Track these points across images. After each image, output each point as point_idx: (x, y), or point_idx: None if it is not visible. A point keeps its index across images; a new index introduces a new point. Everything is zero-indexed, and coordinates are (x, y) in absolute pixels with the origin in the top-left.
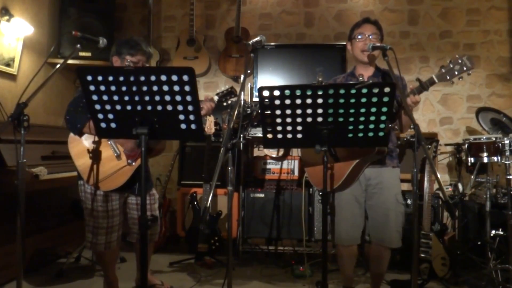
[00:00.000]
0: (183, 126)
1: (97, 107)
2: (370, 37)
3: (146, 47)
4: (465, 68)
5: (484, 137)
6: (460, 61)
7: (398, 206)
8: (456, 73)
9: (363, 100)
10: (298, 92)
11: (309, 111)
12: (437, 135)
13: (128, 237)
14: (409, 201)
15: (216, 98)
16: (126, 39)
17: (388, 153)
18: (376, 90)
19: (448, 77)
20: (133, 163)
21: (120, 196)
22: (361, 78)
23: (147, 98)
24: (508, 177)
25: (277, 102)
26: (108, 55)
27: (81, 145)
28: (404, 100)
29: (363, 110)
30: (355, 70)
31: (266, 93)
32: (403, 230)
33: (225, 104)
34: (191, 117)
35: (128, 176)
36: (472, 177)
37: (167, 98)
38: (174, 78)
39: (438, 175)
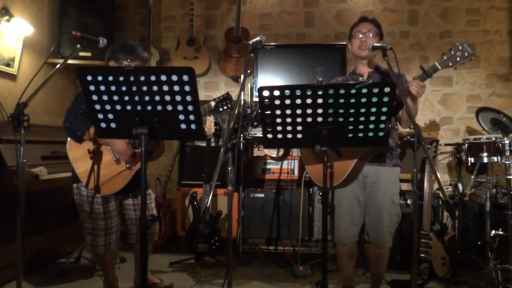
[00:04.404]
0: (183, 126)
1: (97, 107)
2: (369, 35)
3: (142, 52)
4: (466, 54)
5: (484, 137)
6: (461, 48)
7: (393, 207)
8: (458, 59)
9: (363, 100)
10: (298, 92)
11: (309, 111)
12: (437, 135)
13: (127, 238)
14: (409, 201)
15: (213, 103)
16: (122, 43)
17: (388, 151)
18: (376, 90)
19: (450, 64)
20: (132, 167)
21: (115, 197)
22: (361, 78)
23: (147, 98)
24: (508, 177)
25: (277, 102)
26: None
27: (80, 149)
28: (404, 98)
29: (363, 110)
30: (356, 69)
31: (266, 93)
32: (402, 230)
33: (221, 109)
34: (191, 117)
35: (128, 180)
36: (472, 177)
37: (167, 98)
38: (174, 78)
39: (438, 175)
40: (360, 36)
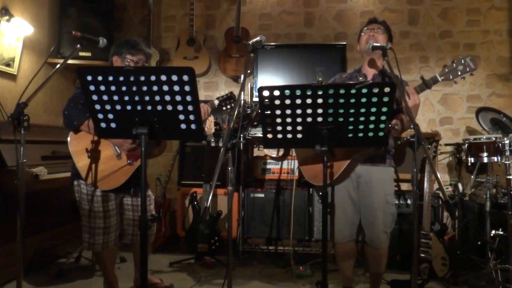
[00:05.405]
0: (183, 126)
1: (97, 107)
2: (375, 30)
3: (145, 47)
4: (468, 69)
5: (484, 137)
6: (463, 62)
7: (387, 207)
8: (459, 73)
9: (363, 100)
10: (298, 92)
11: (309, 111)
12: (437, 135)
13: (122, 238)
14: (409, 201)
15: (216, 102)
16: (125, 39)
17: (384, 152)
18: (376, 90)
19: (451, 77)
20: (134, 163)
21: (116, 196)
22: (361, 78)
23: (147, 98)
24: (508, 177)
25: (277, 102)
26: (108, 55)
27: (81, 143)
28: (405, 102)
29: (363, 110)
30: (361, 67)
31: (266, 93)
32: (402, 230)
33: (224, 108)
34: (191, 117)
35: (128, 176)
36: (472, 177)
37: (167, 98)
38: (174, 78)
39: (438, 175)
40: (367, 31)
